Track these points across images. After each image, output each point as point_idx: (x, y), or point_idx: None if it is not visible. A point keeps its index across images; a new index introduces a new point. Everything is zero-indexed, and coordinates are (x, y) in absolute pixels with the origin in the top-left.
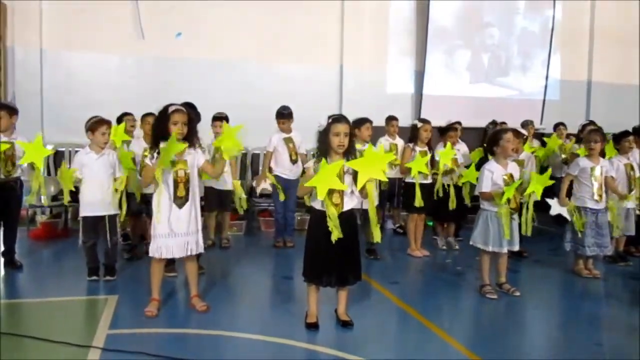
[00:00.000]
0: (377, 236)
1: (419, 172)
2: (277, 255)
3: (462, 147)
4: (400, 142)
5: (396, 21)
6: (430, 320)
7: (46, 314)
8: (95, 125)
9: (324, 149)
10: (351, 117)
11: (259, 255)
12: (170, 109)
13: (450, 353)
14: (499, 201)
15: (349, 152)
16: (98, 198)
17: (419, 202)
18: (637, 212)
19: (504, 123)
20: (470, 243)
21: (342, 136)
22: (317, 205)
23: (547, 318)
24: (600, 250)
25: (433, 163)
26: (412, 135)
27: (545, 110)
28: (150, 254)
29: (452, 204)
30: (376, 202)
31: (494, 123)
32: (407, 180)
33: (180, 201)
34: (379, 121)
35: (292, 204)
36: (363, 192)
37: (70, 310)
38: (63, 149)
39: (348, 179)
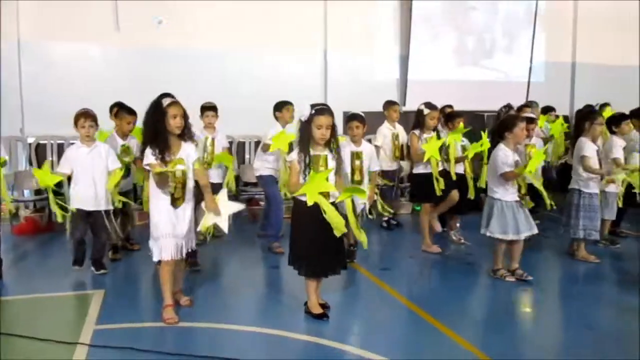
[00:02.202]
0: (363, 240)
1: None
2: (266, 245)
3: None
4: (401, 129)
5: (380, 5)
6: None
7: (32, 311)
8: (75, 118)
9: (305, 138)
10: (337, 104)
11: (248, 245)
12: (165, 101)
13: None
14: (525, 172)
15: (331, 143)
16: (90, 193)
17: (439, 191)
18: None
19: (527, 106)
20: (487, 234)
21: (325, 129)
22: (302, 197)
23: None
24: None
25: (441, 151)
26: (417, 121)
27: (530, 92)
28: (155, 258)
29: (472, 193)
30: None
31: (508, 107)
32: (416, 171)
33: (176, 202)
34: (364, 107)
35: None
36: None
37: (56, 307)
38: (45, 142)
39: (331, 174)
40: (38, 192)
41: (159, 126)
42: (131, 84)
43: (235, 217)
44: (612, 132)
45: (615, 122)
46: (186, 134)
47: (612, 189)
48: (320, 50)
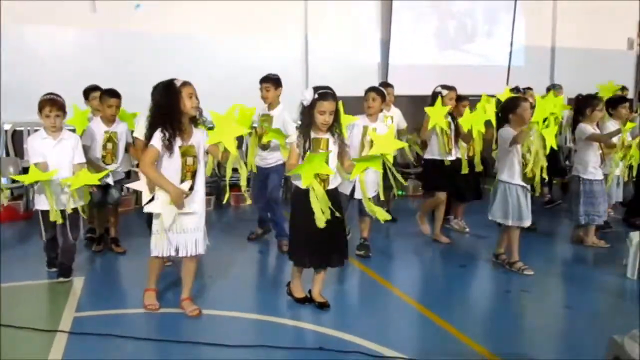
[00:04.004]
0: (381, 215)
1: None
2: (248, 230)
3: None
4: (396, 112)
5: None
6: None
7: (9, 299)
8: (40, 105)
9: (307, 123)
10: None
11: (230, 230)
12: (178, 81)
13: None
14: (532, 126)
15: (334, 127)
16: (57, 191)
17: (465, 168)
18: (625, 179)
19: (529, 89)
20: (490, 218)
21: (327, 115)
22: (300, 184)
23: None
24: (606, 216)
25: (458, 135)
26: (433, 104)
27: (511, 76)
28: (153, 253)
29: (465, 169)
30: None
31: (516, 89)
32: (427, 156)
33: (185, 193)
34: (346, 92)
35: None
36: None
37: (35, 295)
38: (22, 129)
39: (333, 157)
40: (15, 180)
41: (174, 107)
42: (109, 67)
43: (218, 202)
44: (609, 115)
45: (613, 105)
46: (198, 117)
47: (617, 172)
48: (301, 35)
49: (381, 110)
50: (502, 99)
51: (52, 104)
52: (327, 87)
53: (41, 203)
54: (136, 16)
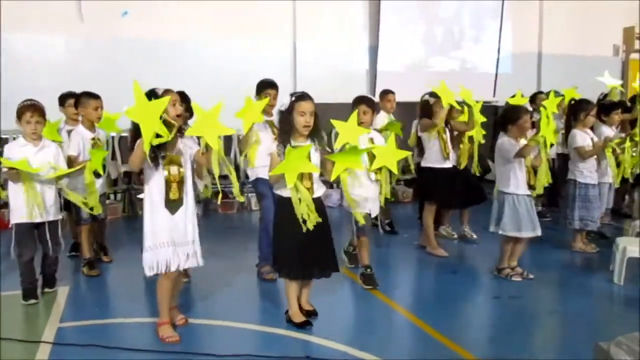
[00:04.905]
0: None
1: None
2: (237, 237)
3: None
4: None
5: None
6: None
7: None
8: (19, 111)
9: (287, 129)
10: None
11: (219, 239)
12: (160, 90)
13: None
14: (539, 138)
15: (314, 133)
16: (37, 201)
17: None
18: (616, 185)
19: (540, 92)
20: (500, 232)
21: (308, 116)
22: (284, 193)
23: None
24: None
25: (453, 141)
26: (422, 113)
27: (498, 83)
28: (149, 272)
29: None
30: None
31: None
32: (424, 164)
33: (173, 205)
34: (334, 99)
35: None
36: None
37: (19, 305)
38: (7, 136)
39: (315, 156)
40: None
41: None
42: (97, 75)
43: (206, 209)
44: (602, 121)
45: (605, 111)
46: (183, 127)
47: (606, 179)
48: (290, 41)
49: (371, 122)
50: (513, 103)
51: (33, 110)
52: (304, 92)
53: (18, 216)
54: (124, 23)
